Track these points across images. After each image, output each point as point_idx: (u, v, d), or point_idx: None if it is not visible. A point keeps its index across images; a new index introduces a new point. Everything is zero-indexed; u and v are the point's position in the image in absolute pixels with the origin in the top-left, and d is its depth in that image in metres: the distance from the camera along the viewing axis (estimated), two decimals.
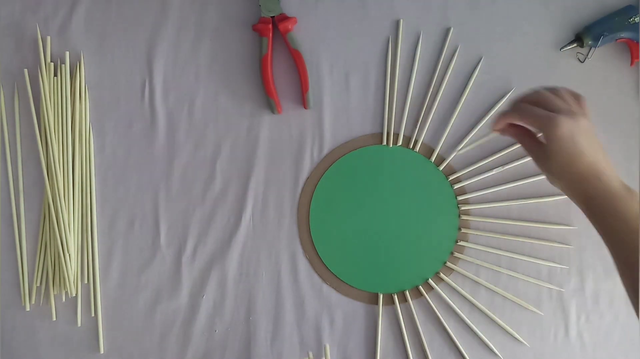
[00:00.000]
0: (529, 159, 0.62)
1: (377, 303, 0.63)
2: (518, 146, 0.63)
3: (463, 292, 0.62)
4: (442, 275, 0.63)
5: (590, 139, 0.49)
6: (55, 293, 0.63)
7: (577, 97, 0.52)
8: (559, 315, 0.62)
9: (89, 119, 0.65)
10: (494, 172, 0.63)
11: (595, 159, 0.49)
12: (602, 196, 0.48)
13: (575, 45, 0.63)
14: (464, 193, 0.64)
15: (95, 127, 0.65)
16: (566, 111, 0.49)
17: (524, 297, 0.62)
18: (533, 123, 0.51)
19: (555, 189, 0.62)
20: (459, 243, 0.63)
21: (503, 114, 0.53)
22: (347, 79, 0.65)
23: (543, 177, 0.62)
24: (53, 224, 0.62)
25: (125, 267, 0.64)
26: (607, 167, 0.49)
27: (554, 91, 0.52)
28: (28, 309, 0.63)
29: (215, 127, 0.65)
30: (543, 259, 0.63)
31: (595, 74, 0.64)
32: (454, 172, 0.64)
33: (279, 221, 0.64)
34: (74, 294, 0.63)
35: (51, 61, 0.65)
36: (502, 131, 0.55)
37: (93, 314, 0.63)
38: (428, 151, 0.64)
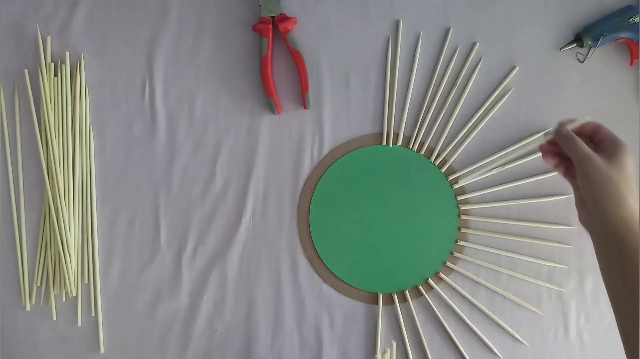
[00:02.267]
0: (528, 159, 0.62)
1: (377, 302, 0.63)
2: (518, 145, 0.63)
3: (463, 292, 0.62)
4: (442, 275, 0.63)
5: (632, 186, 0.46)
6: (56, 293, 0.63)
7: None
8: (558, 315, 0.62)
9: (89, 119, 0.65)
10: (494, 172, 0.63)
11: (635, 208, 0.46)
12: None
13: (575, 45, 0.63)
14: (464, 193, 0.64)
15: (96, 127, 0.65)
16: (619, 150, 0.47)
17: (523, 297, 0.62)
18: (569, 153, 0.48)
19: (556, 189, 0.63)
20: (458, 243, 0.63)
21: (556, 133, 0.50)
22: (347, 79, 0.65)
23: (543, 177, 0.63)
24: (53, 224, 0.62)
25: (125, 268, 0.64)
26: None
27: (598, 127, 0.50)
28: (28, 309, 0.63)
29: (215, 127, 0.65)
30: (543, 259, 0.63)
31: (595, 74, 0.64)
32: (454, 172, 0.64)
33: (279, 221, 0.64)
34: (74, 294, 0.63)
35: (51, 61, 0.65)
36: (544, 153, 0.52)
37: (93, 314, 0.63)
38: (428, 150, 0.64)
